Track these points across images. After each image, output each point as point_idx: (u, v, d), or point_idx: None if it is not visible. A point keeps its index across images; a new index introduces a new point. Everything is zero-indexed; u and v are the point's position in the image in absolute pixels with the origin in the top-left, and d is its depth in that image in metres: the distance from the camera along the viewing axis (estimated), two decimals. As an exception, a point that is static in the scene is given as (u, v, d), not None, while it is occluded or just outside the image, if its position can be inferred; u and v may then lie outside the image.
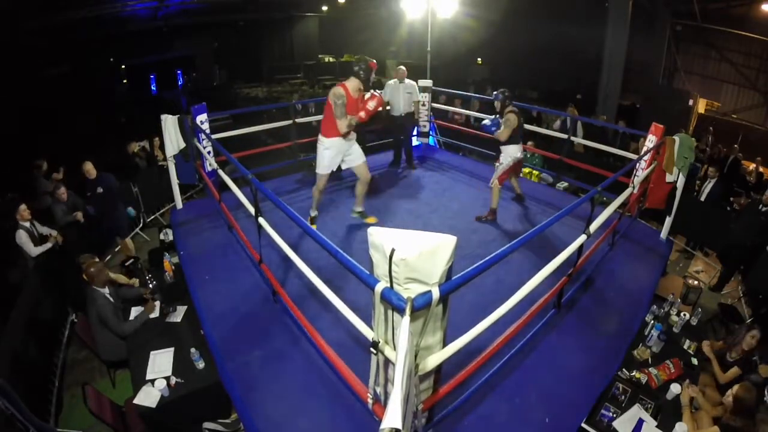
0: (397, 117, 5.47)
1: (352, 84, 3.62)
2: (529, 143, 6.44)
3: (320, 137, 3.78)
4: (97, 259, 3.86)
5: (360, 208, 4.26)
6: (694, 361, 3.15)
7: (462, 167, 5.87)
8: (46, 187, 6.09)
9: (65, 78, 11.03)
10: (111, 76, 13.37)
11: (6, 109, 8.77)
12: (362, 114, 3.60)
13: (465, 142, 6.38)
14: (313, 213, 4.17)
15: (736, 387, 2.56)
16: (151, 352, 3.16)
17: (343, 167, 4.01)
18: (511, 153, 4.22)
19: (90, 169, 4.94)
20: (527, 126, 6.06)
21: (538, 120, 8.66)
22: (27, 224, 4.36)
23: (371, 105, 3.59)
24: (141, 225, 6.21)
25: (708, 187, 5.83)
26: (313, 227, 3.72)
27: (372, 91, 3.68)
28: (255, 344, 2.79)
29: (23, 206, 4.37)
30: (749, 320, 4.37)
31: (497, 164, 4.35)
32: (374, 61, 3.74)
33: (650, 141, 4.14)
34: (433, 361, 1.74)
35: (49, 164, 6.37)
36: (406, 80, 5.39)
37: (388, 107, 5.47)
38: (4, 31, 8.43)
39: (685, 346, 3.27)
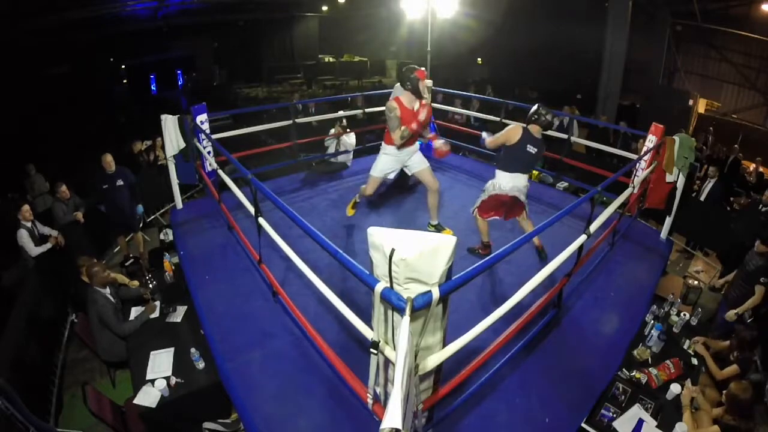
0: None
1: (406, 97, 3.54)
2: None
3: (382, 143, 3.82)
4: (94, 261, 3.87)
5: (435, 221, 3.99)
6: (694, 361, 3.15)
7: (462, 167, 5.87)
8: (42, 188, 6.12)
9: (65, 78, 11.03)
10: (111, 76, 13.36)
11: (6, 110, 8.78)
12: (413, 125, 3.54)
13: (465, 142, 6.37)
14: (357, 200, 4.13)
15: (731, 385, 2.56)
16: (151, 352, 3.17)
17: (409, 173, 3.96)
18: (497, 180, 3.34)
19: (110, 161, 4.91)
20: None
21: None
22: (28, 224, 4.36)
23: (422, 116, 3.56)
24: (141, 225, 6.21)
25: (708, 187, 5.83)
26: (351, 213, 4.15)
27: (423, 99, 3.59)
28: (255, 344, 2.78)
29: (26, 206, 4.38)
30: (749, 320, 4.37)
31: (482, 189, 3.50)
32: (422, 69, 3.50)
33: (650, 141, 4.14)
34: (433, 361, 1.74)
35: (49, 165, 6.40)
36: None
37: None
38: (4, 31, 8.43)
39: (685, 346, 3.27)
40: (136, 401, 2.82)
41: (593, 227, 2.73)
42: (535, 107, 3.28)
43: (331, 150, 5.49)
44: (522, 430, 2.30)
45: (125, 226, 5.34)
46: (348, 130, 5.47)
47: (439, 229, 4.02)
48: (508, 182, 3.27)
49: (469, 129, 6.66)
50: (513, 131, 3.24)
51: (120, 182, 4.98)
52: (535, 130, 3.25)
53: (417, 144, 3.89)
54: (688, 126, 9.32)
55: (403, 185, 5.22)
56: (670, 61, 11.42)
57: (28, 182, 6.23)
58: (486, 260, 1.83)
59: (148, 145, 6.91)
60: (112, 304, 3.48)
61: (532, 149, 3.21)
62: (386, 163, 3.80)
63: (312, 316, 2.71)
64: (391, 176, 3.99)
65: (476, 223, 3.58)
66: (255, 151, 5.29)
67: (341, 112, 5.67)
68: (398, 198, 4.89)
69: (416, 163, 3.85)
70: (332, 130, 5.50)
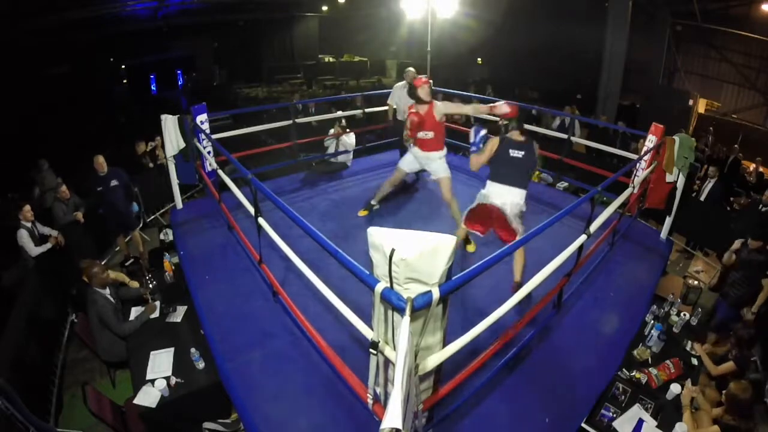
0: (404, 121, 5.12)
1: (413, 105, 3.83)
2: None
3: None
4: (95, 262, 3.86)
5: (460, 230, 3.44)
6: (694, 361, 3.15)
7: (462, 167, 5.85)
8: (52, 184, 6.13)
9: (65, 78, 11.03)
10: (111, 76, 13.36)
11: (6, 110, 8.77)
12: (407, 132, 3.76)
13: (465, 142, 6.37)
14: (374, 203, 4.40)
15: (731, 385, 2.56)
16: (151, 352, 3.16)
17: (432, 179, 4.15)
18: (485, 189, 3.15)
19: (102, 162, 4.91)
20: (526, 126, 6.08)
21: (538, 120, 8.67)
22: (29, 224, 4.36)
23: (408, 122, 3.76)
24: (141, 225, 6.21)
25: (708, 187, 5.83)
26: (364, 214, 4.38)
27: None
28: (255, 344, 2.79)
29: (27, 207, 4.37)
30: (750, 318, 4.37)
31: None
32: (420, 78, 3.82)
33: (650, 141, 4.15)
34: (433, 361, 1.74)
35: (49, 165, 6.39)
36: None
37: (394, 107, 5.37)
38: (4, 31, 8.44)
39: (688, 348, 3.26)
40: (136, 401, 2.82)
41: (593, 227, 2.73)
42: (499, 123, 3.31)
43: (331, 150, 5.50)
44: (522, 430, 2.31)
45: (123, 226, 5.34)
46: (348, 130, 5.48)
47: (467, 243, 3.75)
48: (493, 192, 3.07)
49: (469, 129, 6.66)
50: (492, 142, 3.14)
51: (114, 182, 4.97)
52: (515, 135, 3.12)
53: (441, 152, 3.92)
54: (688, 126, 9.32)
55: (404, 188, 5.22)
56: (670, 61, 11.41)
57: (39, 177, 6.24)
58: (486, 260, 1.83)
59: (153, 147, 6.89)
60: (112, 304, 3.48)
61: (517, 153, 3.05)
62: (407, 159, 4.10)
63: (312, 316, 2.71)
64: (411, 173, 4.34)
65: (461, 227, 3.31)
66: (255, 151, 5.29)
67: (340, 113, 5.67)
68: (399, 198, 4.89)
69: (436, 170, 3.94)
70: (331, 131, 5.51)
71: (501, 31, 12.88)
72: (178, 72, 14.96)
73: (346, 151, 5.58)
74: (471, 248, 3.72)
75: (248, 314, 3.06)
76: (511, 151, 3.06)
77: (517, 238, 2.90)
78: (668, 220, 4.18)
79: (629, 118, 9.10)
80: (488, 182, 3.15)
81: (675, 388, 2.73)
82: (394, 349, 1.60)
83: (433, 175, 3.99)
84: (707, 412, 2.67)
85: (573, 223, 3.62)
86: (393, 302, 1.48)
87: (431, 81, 6.02)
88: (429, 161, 3.92)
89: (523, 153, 3.06)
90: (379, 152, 6.26)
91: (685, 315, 3.50)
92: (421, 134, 3.79)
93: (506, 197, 3.02)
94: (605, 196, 3.93)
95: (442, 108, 3.80)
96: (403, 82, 5.30)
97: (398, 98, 5.31)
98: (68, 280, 4.51)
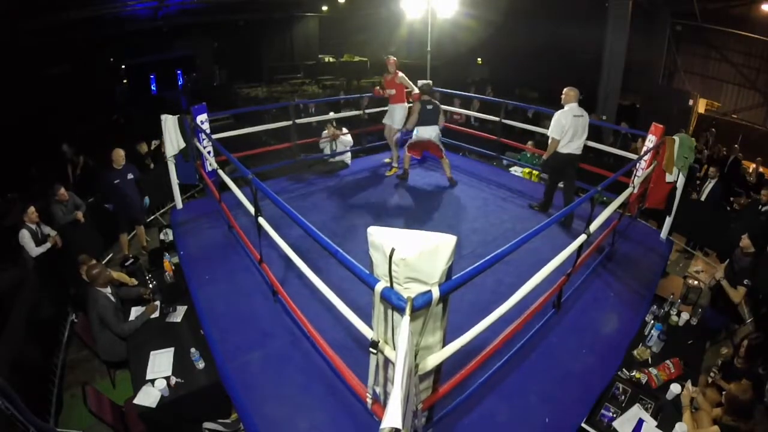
0: (563, 154, 4.10)
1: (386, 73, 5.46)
2: (529, 143, 6.44)
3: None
4: (94, 261, 3.86)
5: (395, 156, 5.64)
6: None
7: (462, 167, 5.87)
8: (77, 160, 6.54)
9: (65, 78, 11.03)
10: (111, 76, 13.36)
11: (6, 110, 8.77)
12: (378, 88, 5.53)
13: (465, 142, 6.38)
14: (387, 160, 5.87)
15: (731, 385, 2.55)
16: (151, 352, 3.16)
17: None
18: (417, 133, 5.04)
19: (122, 155, 4.96)
20: (526, 126, 6.10)
21: (536, 120, 8.65)
22: (33, 226, 4.36)
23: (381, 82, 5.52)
24: (147, 220, 6.22)
25: (708, 187, 5.83)
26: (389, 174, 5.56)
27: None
28: (255, 344, 2.79)
29: (32, 208, 4.37)
30: (749, 320, 4.37)
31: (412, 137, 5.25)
32: (389, 59, 5.32)
33: (650, 141, 4.14)
34: (433, 360, 1.74)
35: (48, 165, 6.39)
36: (572, 104, 4.23)
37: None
38: (4, 31, 8.43)
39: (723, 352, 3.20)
40: (136, 401, 2.81)
41: (593, 227, 2.73)
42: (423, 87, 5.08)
43: (327, 151, 5.51)
44: (522, 430, 2.30)
45: (134, 219, 5.41)
46: (344, 129, 5.52)
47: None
48: (423, 131, 4.97)
49: (469, 129, 6.67)
50: (415, 106, 5.02)
51: (130, 176, 5.06)
52: (426, 99, 4.99)
53: (402, 104, 5.33)
54: (688, 126, 9.31)
55: (404, 185, 5.22)
56: (670, 61, 11.40)
57: (69, 152, 6.62)
58: (486, 260, 1.83)
59: (157, 144, 6.89)
60: (113, 304, 3.48)
61: (429, 107, 4.95)
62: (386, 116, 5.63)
63: (312, 315, 2.71)
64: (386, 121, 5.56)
65: (405, 153, 5.27)
66: (255, 151, 5.30)
67: (332, 114, 5.73)
68: (399, 199, 4.89)
69: (392, 116, 5.41)
70: (324, 132, 5.53)
71: (501, 31, 12.86)
72: (178, 72, 14.98)
73: (344, 151, 5.59)
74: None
75: (248, 314, 3.06)
76: (426, 106, 4.97)
77: (442, 155, 5.17)
78: (668, 220, 4.18)
79: (629, 118, 9.09)
80: (417, 127, 4.98)
81: (675, 388, 2.73)
82: (394, 348, 1.60)
83: (388, 119, 5.45)
84: (707, 413, 2.67)
85: (573, 223, 3.63)
86: (393, 302, 1.48)
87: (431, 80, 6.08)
88: (393, 111, 5.37)
89: (432, 107, 4.98)
90: (379, 152, 6.26)
91: (685, 315, 3.50)
92: (387, 90, 5.34)
93: (431, 132, 4.98)
94: (605, 196, 3.93)
95: (401, 77, 5.32)
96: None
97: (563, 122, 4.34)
98: (68, 280, 4.51)
